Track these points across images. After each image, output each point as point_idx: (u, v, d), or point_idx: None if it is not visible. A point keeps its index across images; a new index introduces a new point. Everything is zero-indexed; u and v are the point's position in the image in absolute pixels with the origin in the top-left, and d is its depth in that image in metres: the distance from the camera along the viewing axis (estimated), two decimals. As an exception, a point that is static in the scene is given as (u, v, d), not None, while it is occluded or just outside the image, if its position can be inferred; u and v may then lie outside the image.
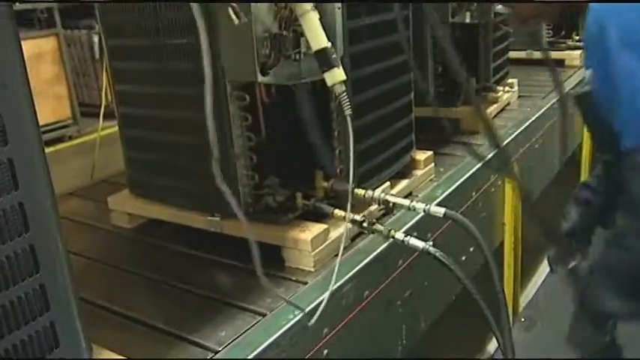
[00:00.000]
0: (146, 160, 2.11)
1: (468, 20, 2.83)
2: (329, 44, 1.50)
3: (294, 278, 1.77)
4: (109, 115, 3.59)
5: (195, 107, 1.81)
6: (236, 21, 1.45)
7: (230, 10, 1.44)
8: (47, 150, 1.10)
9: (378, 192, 1.95)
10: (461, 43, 3.09)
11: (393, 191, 2.17)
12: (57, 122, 5.28)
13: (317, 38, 1.50)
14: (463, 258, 2.18)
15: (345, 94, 1.48)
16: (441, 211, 1.86)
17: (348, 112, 1.47)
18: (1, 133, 0.99)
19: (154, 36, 1.88)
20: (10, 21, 1.00)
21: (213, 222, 1.95)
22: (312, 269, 1.80)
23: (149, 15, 1.87)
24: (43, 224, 1.08)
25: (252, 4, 1.53)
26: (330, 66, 1.49)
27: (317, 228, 1.83)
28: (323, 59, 1.50)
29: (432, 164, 2.46)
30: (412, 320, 2.07)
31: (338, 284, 1.66)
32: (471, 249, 2.22)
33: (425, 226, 2.04)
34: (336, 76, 1.49)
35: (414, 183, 2.34)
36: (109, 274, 1.99)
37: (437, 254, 1.75)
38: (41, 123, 1.07)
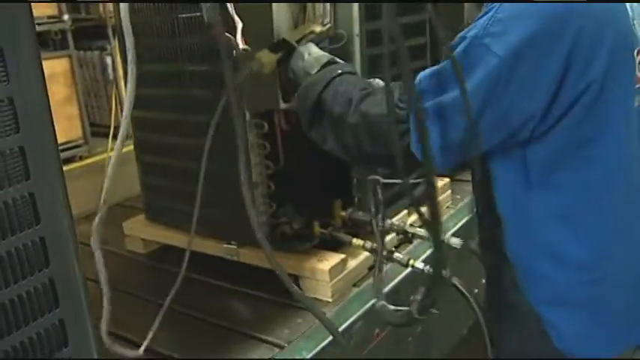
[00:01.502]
0: (162, 186, 2.10)
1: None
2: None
3: (311, 309, 1.74)
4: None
5: (214, 135, 1.81)
6: (235, 52, 1.43)
7: (233, 41, 1.43)
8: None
9: (396, 221, 1.92)
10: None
11: (410, 220, 2.14)
12: (68, 142, 5.32)
13: None
14: (475, 291, 2.14)
15: None
16: (458, 242, 1.84)
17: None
18: (23, 168, 0.98)
19: (172, 62, 1.88)
20: (35, 47, 0.98)
21: (230, 250, 1.93)
22: (330, 299, 1.77)
23: (167, 40, 1.87)
24: (63, 256, 1.06)
25: (275, 31, 1.53)
26: None
27: (335, 258, 1.81)
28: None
29: (449, 191, 2.44)
30: (424, 357, 2.02)
31: (348, 323, 1.66)
32: (483, 281, 2.17)
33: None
34: None
35: (430, 211, 2.31)
36: (123, 301, 1.96)
37: (457, 284, 1.72)
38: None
